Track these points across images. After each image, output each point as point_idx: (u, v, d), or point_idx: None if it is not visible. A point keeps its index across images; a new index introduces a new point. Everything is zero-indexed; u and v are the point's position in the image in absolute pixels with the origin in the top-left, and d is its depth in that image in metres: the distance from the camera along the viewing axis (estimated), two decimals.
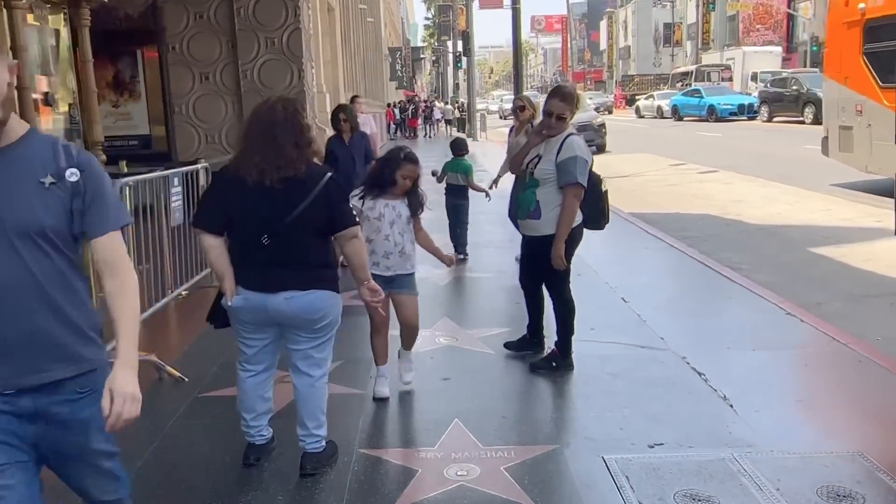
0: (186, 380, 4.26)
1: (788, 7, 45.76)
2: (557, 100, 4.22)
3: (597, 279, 6.56)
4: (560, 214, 4.16)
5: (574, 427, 3.67)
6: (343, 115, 7.05)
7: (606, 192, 4.38)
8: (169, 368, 4.27)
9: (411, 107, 30.96)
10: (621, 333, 5.06)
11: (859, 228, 8.69)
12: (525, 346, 4.69)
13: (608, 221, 4.48)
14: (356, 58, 22.31)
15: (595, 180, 4.30)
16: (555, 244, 4.16)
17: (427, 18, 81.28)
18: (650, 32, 77.26)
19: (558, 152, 4.16)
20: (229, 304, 3.00)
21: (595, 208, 4.33)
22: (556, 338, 4.48)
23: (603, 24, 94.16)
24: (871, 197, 10.56)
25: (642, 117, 39.28)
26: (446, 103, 41.92)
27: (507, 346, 4.73)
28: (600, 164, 17.84)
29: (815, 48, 40.01)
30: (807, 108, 24.66)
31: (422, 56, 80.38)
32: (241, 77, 11.08)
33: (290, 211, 2.89)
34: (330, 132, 13.87)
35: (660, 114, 36.52)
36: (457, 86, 45.14)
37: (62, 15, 6.92)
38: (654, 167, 16.43)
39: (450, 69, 56.24)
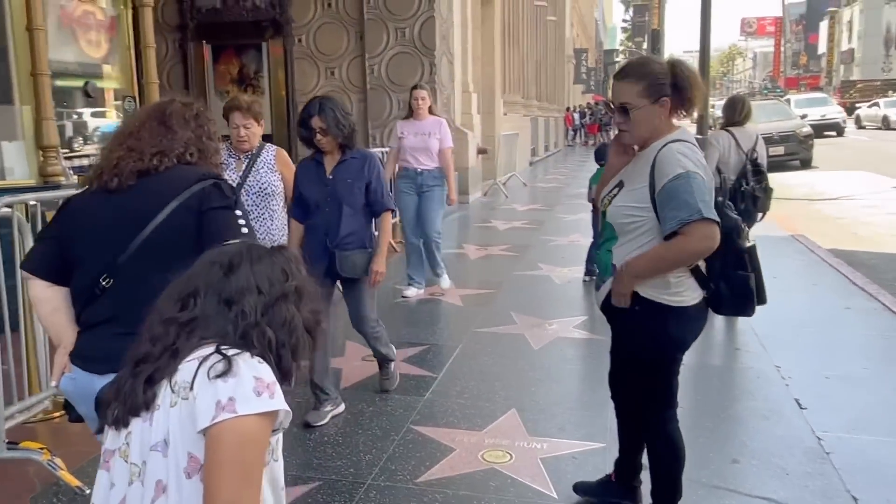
0: (87, 492, 2.91)
1: None
2: (622, 81, 2.38)
3: (762, 361, 4.49)
4: (660, 250, 2.35)
5: None
6: (319, 120, 3.48)
7: (753, 248, 2.47)
8: (63, 473, 2.94)
9: (589, 112, 28.71)
10: (784, 480, 3.06)
11: None
12: (607, 493, 2.87)
13: (764, 301, 2.54)
14: (528, 57, 20.73)
15: (735, 229, 2.42)
16: (620, 274, 2.40)
17: (624, 21, 78.29)
18: (880, 34, 69.15)
19: (652, 174, 2.34)
20: (53, 384, 2.10)
21: (738, 281, 2.41)
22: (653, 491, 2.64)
23: (823, 25, 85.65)
24: None
25: (863, 128, 34.15)
26: None
27: (577, 489, 2.93)
28: (803, 183, 15.12)
29: None
30: None
31: (616, 59, 77.20)
32: (367, 72, 9.90)
33: (139, 228, 1.90)
34: (472, 136, 12.46)
35: (885, 124, 31.46)
36: None
37: None
38: (872, 189, 13.33)
39: None
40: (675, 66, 2.35)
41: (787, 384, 4.08)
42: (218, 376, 1.20)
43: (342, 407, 3.77)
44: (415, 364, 4.47)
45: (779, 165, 16.49)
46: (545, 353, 4.69)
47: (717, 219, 2.27)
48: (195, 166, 2.06)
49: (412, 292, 6.05)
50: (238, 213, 2.03)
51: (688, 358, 4.07)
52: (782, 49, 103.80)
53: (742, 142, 5.23)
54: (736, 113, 5.35)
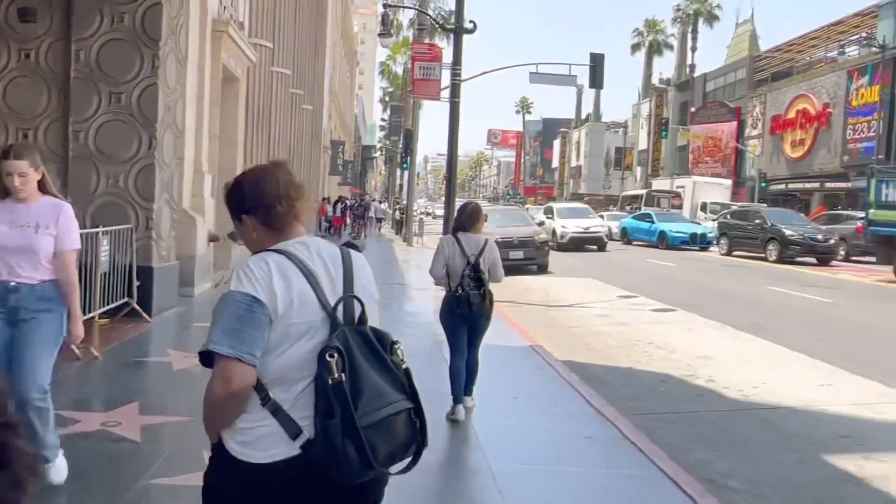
0: None
1: (738, 142, 45.94)
2: None
3: None
4: None
5: None
6: None
7: (339, 384, 1.78)
8: None
9: (340, 205, 28.41)
10: None
11: (885, 424, 6.16)
12: None
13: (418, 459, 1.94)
14: (279, 143, 19.90)
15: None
16: None
17: (383, 120, 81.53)
18: (602, 155, 78.72)
19: None
20: None
21: (321, 428, 1.81)
22: None
23: (557, 142, 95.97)
24: (870, 365, 8.18)
25: None
26: (381, 202, 39.97)
27: None
28: (540, 288, 15.55)
29: (763, 185, 39.64)
30: (770, 244, 22.69)
31: (374, 155, 79.75)
32: (70, 139, 8.33)
33: None
34: (203, 221, 11.15)
35: (608, 236, 34.96)
36: (400, 186, 43.27)
37: None
38: (602, 297, 14.01)
39: (398, 170, 55.06)
40: (237, 184, 2.06)
41: None
42: None
43: None
44: None
45: (518, 269, 17.06)
46: None
47: (232, 352, 1.75)
48: None
49: None
50: None
51: None
52: (522, 160, 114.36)
53: (467, 247, 5.37)
54: (463, 218, 5.55)
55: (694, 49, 60.83)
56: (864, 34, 36.98)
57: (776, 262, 22.06)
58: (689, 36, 61.10)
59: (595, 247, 25.12)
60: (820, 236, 22.34)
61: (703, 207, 37.20)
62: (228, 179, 8.30)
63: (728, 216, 26.98)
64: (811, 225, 23.82)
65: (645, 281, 16.79)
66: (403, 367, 1.93)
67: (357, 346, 1.84)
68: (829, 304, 13.60)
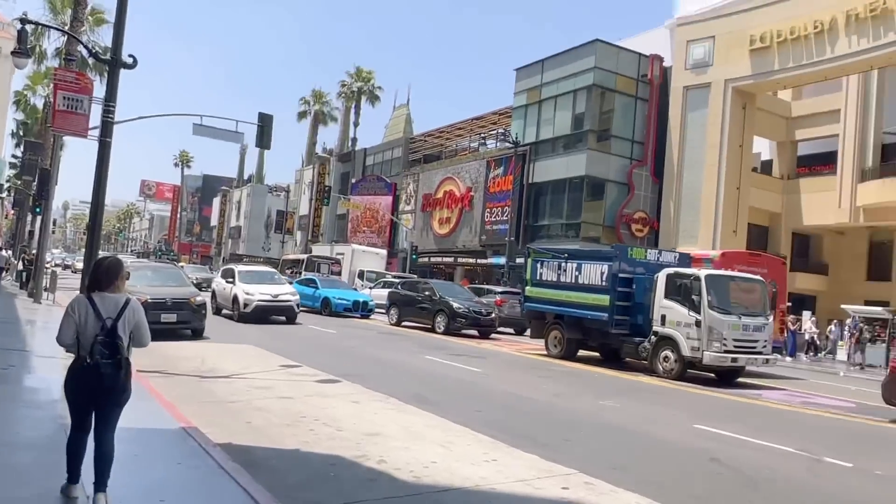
0: None
1: (393, 215, 48.80)
2: None
3: None
4: None
5: None
6: None
7: None
8: None
9: None
10: None
11: (550, 501, 6.25)
12: None
13: None
14: None
15: None
16: None
17: (15, 157, 71.20)
18: (263, 217, 78.02)
19: None
20: None
21: None
22: None
23: (216, 200, 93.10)
24: (524, 436, 8.55)
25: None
26: (1, 249, 34.35)
27: None
28: (194, 355, 13.97)
29: (414, 257, 42.37)
30: (439, 316, 23.35)
31: (1, 195, 68.95)
32: None
33: None
34: None
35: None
36: (30, 233, 37.62)
37: None
38: (262, 366, 13.09)
39: (30, 215, 48.06)
40: None
41: None
42: None
43: None
44: None
45: (171, 333, 15.42)
46: None
47: None
48: None
49: None
50: None
51: None
52: (179, 216, 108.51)
53: (103, 309, 4.69)
54: (99, 275, 4.87)
55: (357, 124, 63.85)
56: (501, 130, 42.12)
57: (444, 333, 22.86)
58: (353, 111, 64.08)
59: (284, 318, 22.40)
60: (483, 310, 23.61)
61: (361, 275, 38.36)
62: None
63: (399, 286, 27.57)
64: (476, 299, 25.16)
65: (308, 349, 16.26)
66: None
67: None
68: (479, 373, 14.39)
